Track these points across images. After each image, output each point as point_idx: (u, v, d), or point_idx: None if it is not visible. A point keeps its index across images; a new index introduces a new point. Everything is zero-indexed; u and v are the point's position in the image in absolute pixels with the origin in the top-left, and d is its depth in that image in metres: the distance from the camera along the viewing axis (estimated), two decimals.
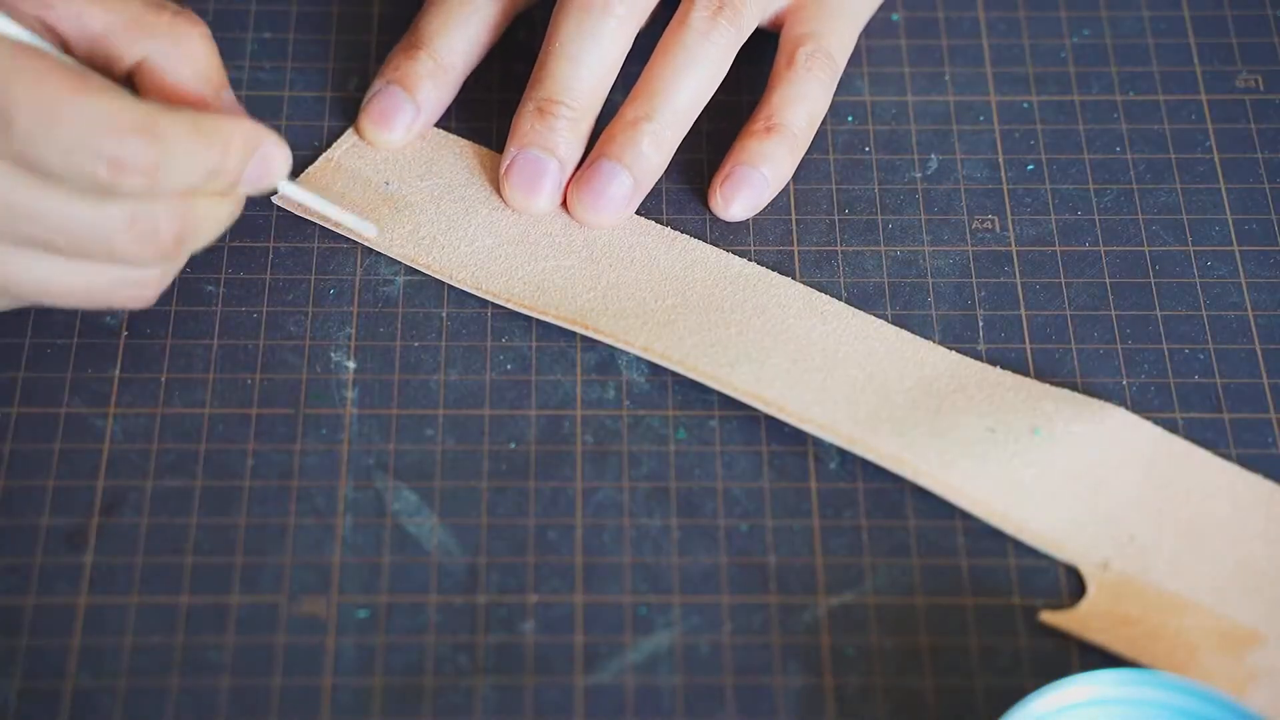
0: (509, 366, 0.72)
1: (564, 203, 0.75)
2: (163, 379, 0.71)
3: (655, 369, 0.72)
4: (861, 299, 0.75)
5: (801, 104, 0.76)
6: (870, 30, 0.80)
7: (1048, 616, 0.66)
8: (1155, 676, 0.61)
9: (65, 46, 0.67)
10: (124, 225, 0.64)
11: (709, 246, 0.75)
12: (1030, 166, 0.79)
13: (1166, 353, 0.73)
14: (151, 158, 0.63)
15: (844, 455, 0.70)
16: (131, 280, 0.67)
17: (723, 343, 0.72)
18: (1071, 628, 0.66)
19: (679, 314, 0.73)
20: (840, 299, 0.74)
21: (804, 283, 0.75)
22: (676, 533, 0.68)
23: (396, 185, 0.76)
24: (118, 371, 0.71)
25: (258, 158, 0.66)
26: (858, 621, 0.66)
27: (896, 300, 0.75)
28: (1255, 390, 0.72)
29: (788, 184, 0.77)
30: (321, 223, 0.75)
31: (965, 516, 0.69)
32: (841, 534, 0.68)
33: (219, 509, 0.68)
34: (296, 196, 0.71)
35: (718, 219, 0.76)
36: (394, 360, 0.72)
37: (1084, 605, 0.66)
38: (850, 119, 0.80)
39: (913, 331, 0.74)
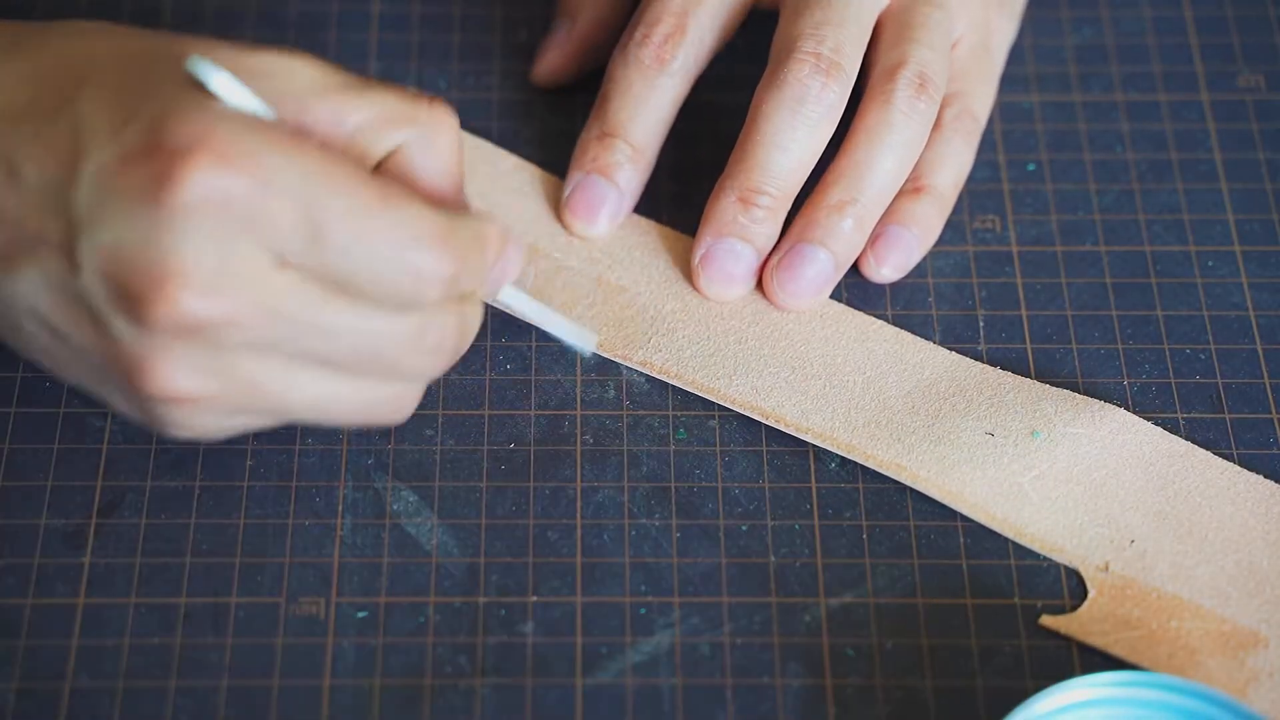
0: (509, 366, 0.72)
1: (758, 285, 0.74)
2: None
3: None
4: (862, 299, 0.74)
5: (949, 164, 0.75)
6: None
7: (1048, 620, 0.66)
8: (1155, 677, 0.61)
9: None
10: (415, 338, 0.62)
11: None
12: (1031, 166, 0.79)
13: (1168, 353, 0.73)
14: (451, 268, 0.61)
15: (844, 456, 0.70)
16: (399, 395, 0.65)
17: (720, 352, 0.72)
18: (1072, 631, 0.66)
19: (679, 321, 0.73)
20: (841, 299, 0.74)
21: None
22: (676, 533, 0.68)
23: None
24: None
25: (503, 259, 0.64)
26: (858, 622, 0.66)
27: (897, 300, 0.74)
28: (1256, 390, 0.72)
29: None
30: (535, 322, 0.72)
31: (966, 517, 0.69)
32: (842, 534, 0.68)
33: (218, 509, 0.68)
34: (517, 302, 0.69)
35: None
36: None
37: (1084, 609, 0.66)
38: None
39: (913, 332, 0.74)
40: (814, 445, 0.70)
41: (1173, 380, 0.72)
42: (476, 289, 0.64)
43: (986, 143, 0.79)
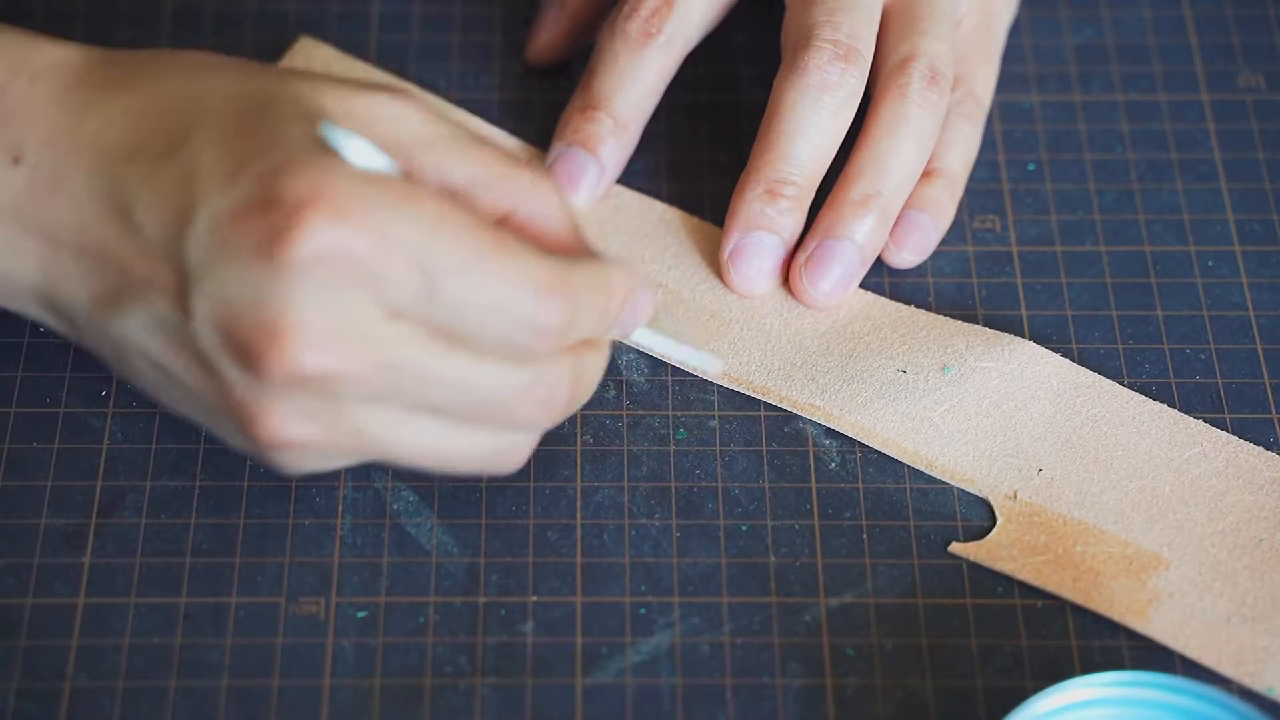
0: None
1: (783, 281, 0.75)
2: None
3: (655, 368, 0.72)
4: None
5: (958, 148, 0.75)
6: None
7: (957, 547, 0.68)
8: (1155, 677, 0.61)
9: None
10: (528, 389, 0.62)
11: (632, 192, 0.76)
12: (1031, 166, 0.79)
13: (1168, 353, 0.73)
14: (566, 316, 0.61)
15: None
16: (512, 445, 0.64)
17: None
18: (980, 557, 0.67)
19: None
20: None
21: None
22: (676, 533, 0.68)
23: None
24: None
25: (631, 303, 0.64)
26: (858, 621, 0.66)
27: (897, 300, 0.74)
28: (1257, 390, 0.72)
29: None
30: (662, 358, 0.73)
31: (966, 517, 0.69)
32: (841, 534, 0.68)
33: (218, 509, 0.68)
34: (649, 341, 0.69)
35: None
36: None
37: (993, 535, 0.68)
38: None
39: None
40: (814, 446, 0.70)
41: (1173, 380, 0.72)
42: (595, 336, 0.63)
43: (987, 143, 0.79)
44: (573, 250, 0.64)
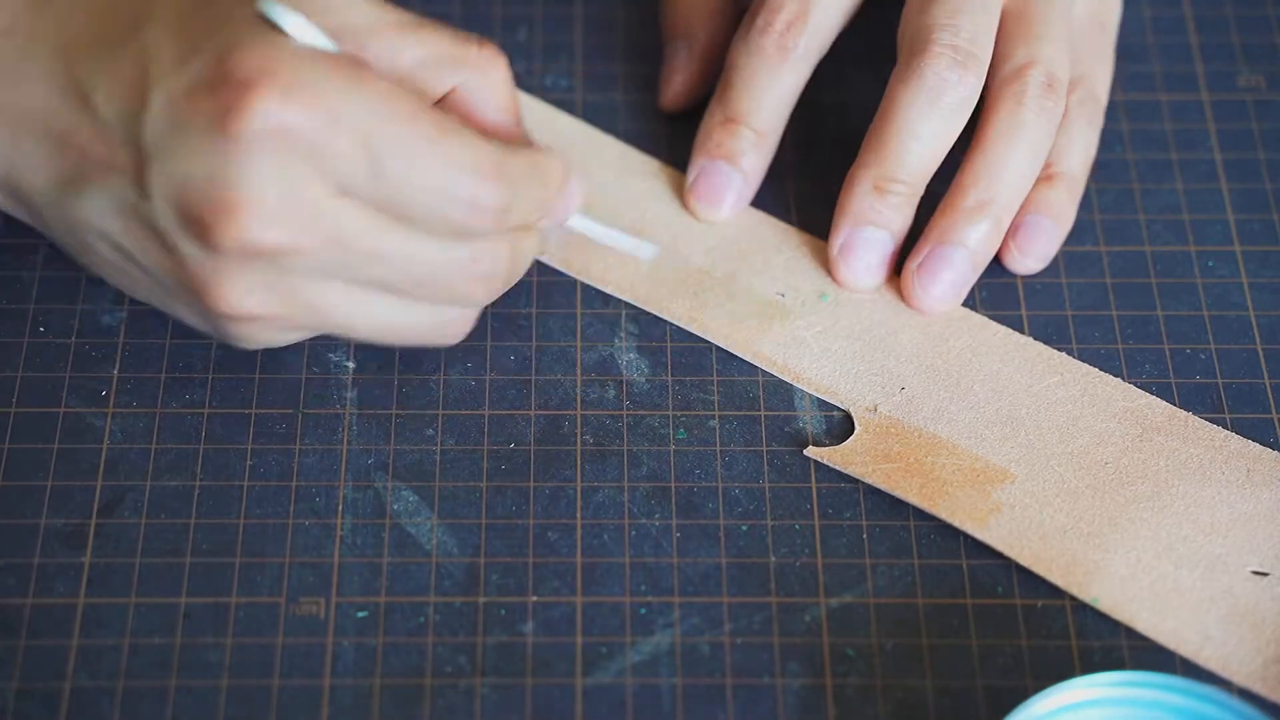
0: (509, 366, 0.72)
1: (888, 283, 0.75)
2: (162, 379, 0.71)
3: (655, 368, 0.72)
4: None
5: (1077, 149, 0.76)
6: (874, 30, 0.80)
7: (812, 451, 0.70)
8: (1155, 677, 0.61)
9: None
10: (467, 265, 0.65)
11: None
12: None
13: (1168, 353, 0.73)
14: (504, 199, 0.64)
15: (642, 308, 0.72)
16: (454, 319, 0.68)
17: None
18: (835, 461, 0.70)
19: None
20: None
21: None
22: (676, 533, 0.68)
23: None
24: (117, 371, 0.71)
25: (566, 192, 0.68)
26: (858, 621, 0.66)
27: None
28: (1257, 390, 0.72)
29: (789, 187, 0.77)
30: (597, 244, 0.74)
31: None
32: (841, 534, 0.68)
33: (218, 509, 0.68)
34: (583, 227, 0.71)
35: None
36: (393, 360, 0.72)
37: (848, 442, 0.70)
38: (855, 117, 0.80)
39: None
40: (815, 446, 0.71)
41: (1173, 380, 0.72)
42: (531, 220, 0.66)
43: None
44: (511, 132, 0.67)
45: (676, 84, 0.79)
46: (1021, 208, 0.74)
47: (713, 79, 0.78)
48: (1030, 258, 0.75)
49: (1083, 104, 0.76)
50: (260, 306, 0.64)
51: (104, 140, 0.64)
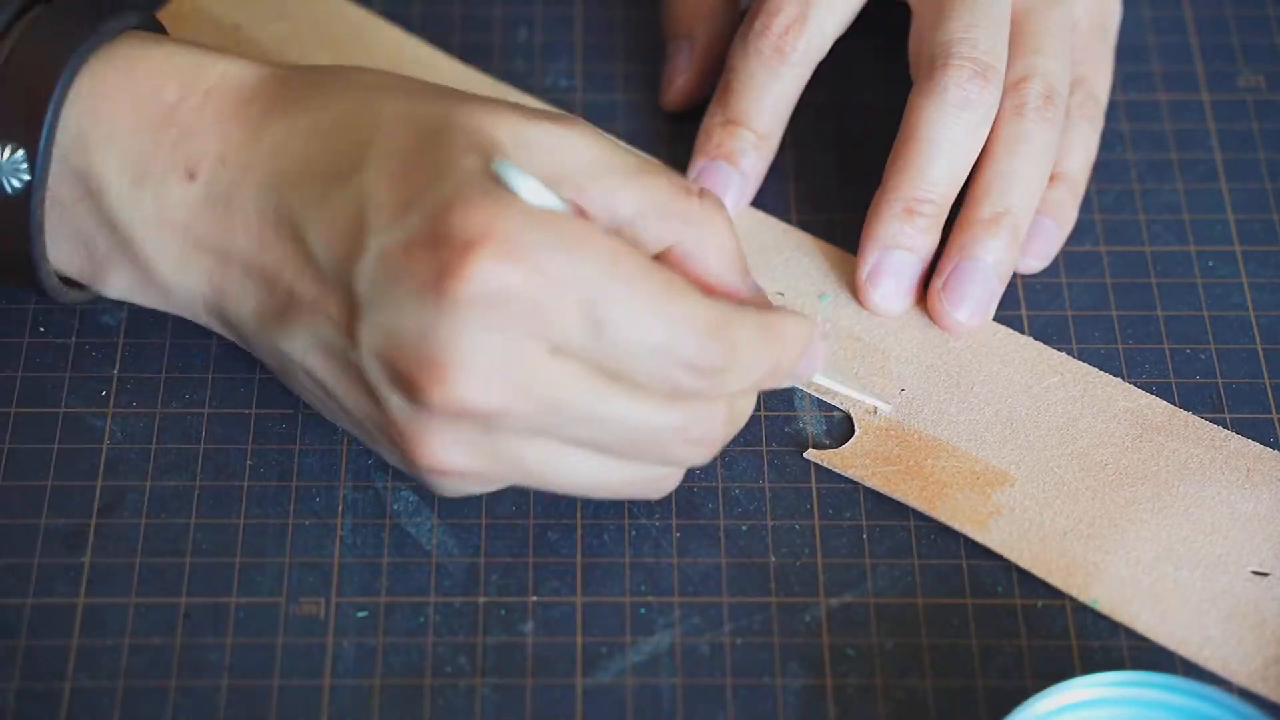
0: None
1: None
2: (162, 379, 0.71)
3: None
4: None
5: (1077, 150, 0.76)
6: (875, 30, 0.80)
7: (813, 454, 0.70)
8: (1155, 677, 0.61)
9: None
10: (684, 429, 0.63)
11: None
12: None
13: (1168, 353, 0.73)
14: (724, 361, 0.62)
15: None
16: (663, 475, 0.66)
17: None
18: (834, 464, 0.70)
19: None
20: None
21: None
22: (676, 533, 0.68)
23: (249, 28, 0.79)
24: (117, 371, 0.71)
25: (808, 354, 0.66)
26: (858, 621, 0.66)
27: None
28: (1257, 390, 0.72)
29: (788, 188, 0.77)
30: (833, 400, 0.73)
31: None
32: (841, 534, 0.68)
33: (218, 509, 0.68)
34: (825, 384, 0.70)
35: None
36: None
37: (848, 445, 0.70)
38: (855, 118, 0.80)
39: None
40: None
41: (1173, 380, 0.72)
42: (769, 386, 0.65)
43: None
44: (735, 287, 0.65)
45: (677, 84, 0.79)
46: None
47: (713, 79, 0.78)
48: (1031, 257, 0.75)
49: (1083, 106, 0.76)
50: (465, 463, 0.62)
51: (314, 282, 0.62)
